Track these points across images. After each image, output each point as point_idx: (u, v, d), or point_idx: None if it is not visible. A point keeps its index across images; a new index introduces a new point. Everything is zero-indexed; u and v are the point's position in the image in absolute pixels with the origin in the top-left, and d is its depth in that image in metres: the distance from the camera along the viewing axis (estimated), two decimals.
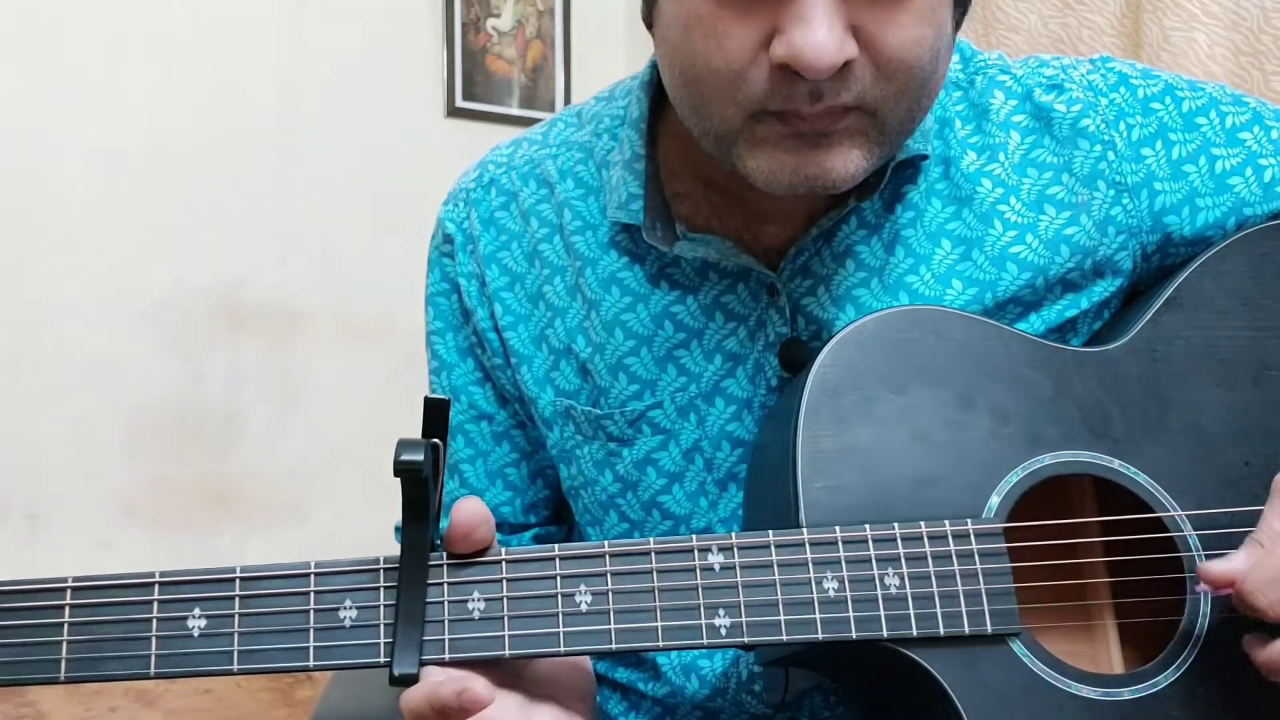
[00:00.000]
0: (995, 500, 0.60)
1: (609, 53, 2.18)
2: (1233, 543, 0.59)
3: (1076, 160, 0.71)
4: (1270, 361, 0.68)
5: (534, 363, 0.76)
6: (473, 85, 2.08)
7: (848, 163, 0.60)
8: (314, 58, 2.00)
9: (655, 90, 0.73)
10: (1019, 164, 0.71)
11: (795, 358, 0.70)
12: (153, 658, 0.53)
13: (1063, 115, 0.71)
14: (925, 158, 0.70)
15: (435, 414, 0.54)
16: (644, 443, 0.73)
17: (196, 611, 0.53)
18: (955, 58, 0.75)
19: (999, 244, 0.70)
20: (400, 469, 0.50)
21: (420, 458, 0.50)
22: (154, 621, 0.53)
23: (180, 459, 1.90)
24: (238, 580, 0.54)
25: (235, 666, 0.53)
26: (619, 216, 0.71)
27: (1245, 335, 0.69)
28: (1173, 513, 0.62)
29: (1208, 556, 0.61)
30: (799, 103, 0.57)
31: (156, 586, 0.54)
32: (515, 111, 2.12)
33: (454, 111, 2.08)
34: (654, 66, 0.72)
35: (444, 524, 0.56)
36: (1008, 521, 0.60)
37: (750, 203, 0.71)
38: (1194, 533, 0.62)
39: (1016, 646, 0.57)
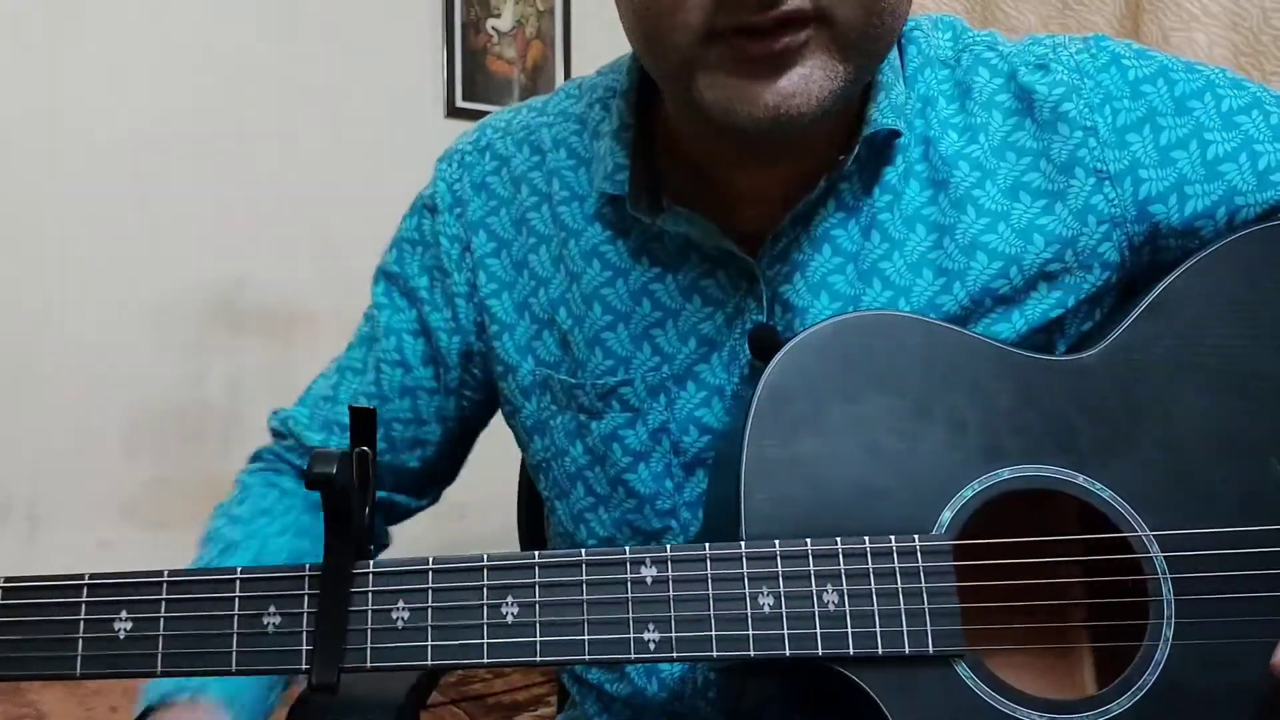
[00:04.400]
0: (947, 515, 0.58)
1: (609, 53, 2.16)
2: (1203, 566, 0.57)
3: (1055, 146, 0.67)
4: (1259, 372, 0.64)
5: (516, 330, 0.75)
6: (473, 85, 2.08)
7: (809, 84, 0.58)
8: (314, 57, 2.00)
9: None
10: (998, 146, 0.68)
11: (765, 344, 0.69)
12: (79, 658, 0.53)
13: (1044, 97, 0.68)
14: (898, 134, 0.67)
15: (361, 422, 0.54)
16: (612, 418, 0.72)
17: (124, 614, 0.53)
18: (947, 34, 0.73)
19: (970, 232, 0.67)
20: (312, 482, 0.49)
21: (332, 470, 0.49)
22: (81, 623, 0.53)
23: (180, 459, 1.91)
24: (165, 584, 0.54)
25: (159, 669, 0.53)
26: (604, 187, 0.70)
27: (1233, 344, 0.65)
28: (1139, 533, 0.60)
29: (1174, 581, 0.59)
30: (750, 13, 0.56)
31: (86, 588, 0.54)
32: None
33: (454, 111, 2.08)
34: None
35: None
36: (961, 537, 0.57)
37: (727, 184, 0.70)
38: (1161, 554, 0.59)
39: (961, 668, 0.55)
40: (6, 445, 1.76)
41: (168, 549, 1.93)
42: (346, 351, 0.83)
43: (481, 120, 0.82)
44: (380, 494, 0.82)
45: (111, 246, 1.84)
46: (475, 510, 1.59)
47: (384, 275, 0.81)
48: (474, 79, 2.09)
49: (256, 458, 0.84)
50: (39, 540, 1.79)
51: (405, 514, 0.85)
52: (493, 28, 2.09)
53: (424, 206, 0.80)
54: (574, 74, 2.17)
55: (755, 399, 0.60)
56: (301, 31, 2.00)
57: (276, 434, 0.84)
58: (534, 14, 2.13)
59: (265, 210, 1.95)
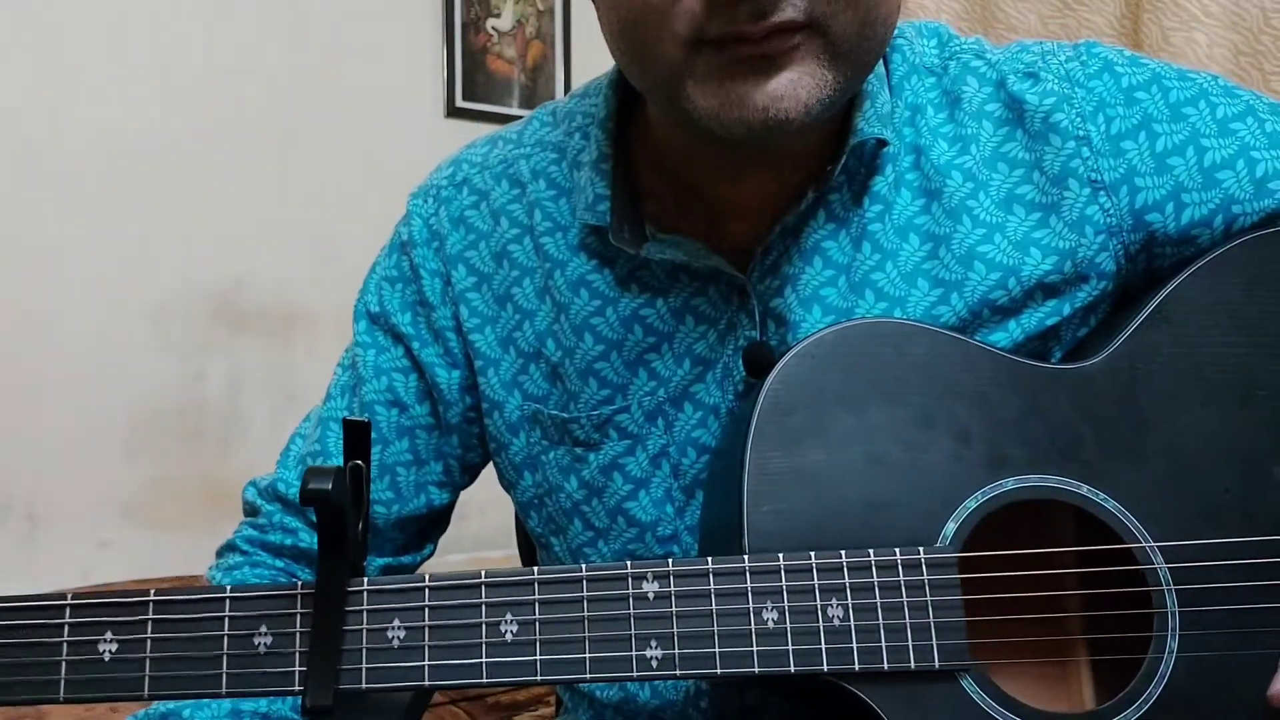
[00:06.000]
0: (951, 527, 0.57)
1: (608, 54, 2.16)
2: (1207, 577, 0.56)
3: (1047, 157, 0.66)
4: (1261, 381, 0.64)
5: (501, 366, 0.74)
6: (473, 85, 2.07)
7: (797, 88, 0.57)
8: (314, 57, 2.00)
9: (624, 89, 0.71)
10: (990, 157, 0.67)
11: (759, 361, 0.68)
12: (62, 682, 0.52)
13: (1035, 107, 0.67)
14: (885, 144, 0.66)
15: (356, 436, 0.53)
16: (610, 447, 0.71)
17: (108, 635, 0.52)
18: (932, 41, 0.72)
19: (966, 242, 0.66)
20: (308, 498, 0.48)
21: (328, 486, 0.48)
22: (64, 645, 0.52)
23: (180, 459, 1.90)
24: (151, 604, 0.53)
25: (146, 692, 0.52)
26: (586, 218, 0.69)
27: (1235, 353, 0.64)
28: (1144, 544, 0.59)
29: (1179, 592, 0.58)
30: (742, 22, 0.55)
31: (69, 609, 0.53)
32: (515, 111, 2.10)
33: (454, 111, 2.07)
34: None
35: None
36: (964, 549, 0.57)
37: (716, 199, 0.69)
38: (1165, 565, 0.59)
39: (966, 683, 0.55)
40: (6, 445, 1.76)
41: (168, 549, 1.93)
42: (325, 403, 0.80)
43: (456, 155, 0.80)
44: (385, 560, 0.79)
45: (111, 246, 1.84)
46: (473, 511, 1.58)
47: (365, 315, 0.79)
48: (474, 79, 2.08)
49: (230, 548, 0.78)
50: (39, 540, 1.78)
51: (408, 572, 0.81)
52: (493, 28, 2.08)
53: (401, 243, 0.78)
54: (574, 74, 2.16)
55: (757, 410, 0.59)
56: (302, 32, 1.99)
57: (252, 510, 0.79)
58: (534, 14, 2.12)
59: (265, 210, 1.94)
